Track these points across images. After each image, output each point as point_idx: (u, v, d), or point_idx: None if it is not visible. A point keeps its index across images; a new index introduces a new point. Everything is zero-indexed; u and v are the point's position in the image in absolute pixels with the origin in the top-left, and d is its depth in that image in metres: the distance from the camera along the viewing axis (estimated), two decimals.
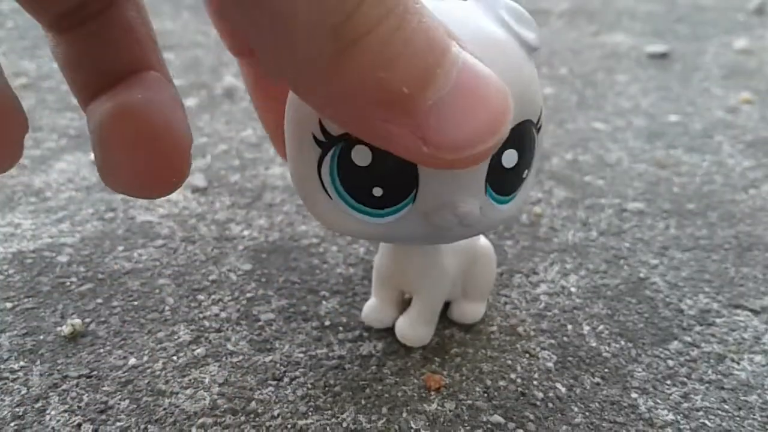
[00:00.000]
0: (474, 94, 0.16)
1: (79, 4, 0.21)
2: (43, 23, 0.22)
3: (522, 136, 0.21)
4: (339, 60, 0.15)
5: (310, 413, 0.25)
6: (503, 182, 0.22)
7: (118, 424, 0.25)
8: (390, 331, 0.30)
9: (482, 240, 0.30)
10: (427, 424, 0.25)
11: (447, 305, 0.30)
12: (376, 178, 0.21)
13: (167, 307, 0.31)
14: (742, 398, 0.27)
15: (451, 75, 0.16)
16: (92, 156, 0.45)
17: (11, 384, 0.26)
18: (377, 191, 0.21)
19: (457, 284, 0.29)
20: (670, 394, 0.27)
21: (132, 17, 0.22)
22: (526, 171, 0.22)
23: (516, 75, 0.20)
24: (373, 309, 0.30)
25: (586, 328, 0.30)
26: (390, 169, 0.20)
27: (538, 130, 0.22)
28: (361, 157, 0.20)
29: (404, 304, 0.30)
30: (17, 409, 0.25)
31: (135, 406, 0.26)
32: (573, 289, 0.33)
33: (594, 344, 0.29)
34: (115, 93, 0.21)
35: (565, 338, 0.30)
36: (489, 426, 0.25)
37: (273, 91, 0.26)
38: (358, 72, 0.15)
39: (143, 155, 0.21)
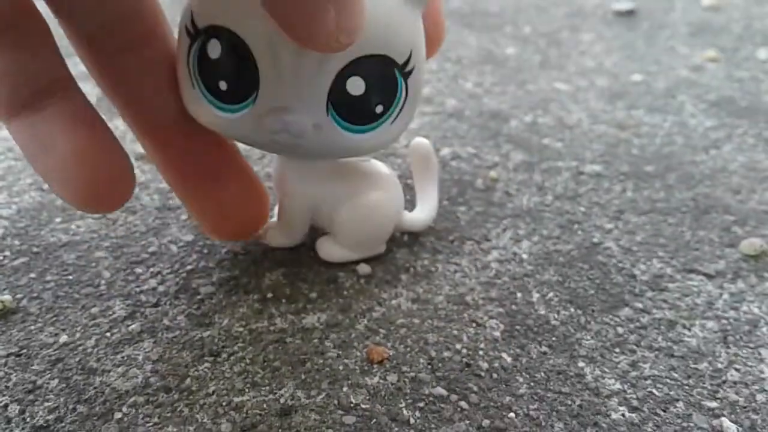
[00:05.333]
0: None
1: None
2: None
3: (372, 69, 0.23)
4: None
5: (246, 389, 0.25)
6: (351, 110, 0.24)
7: (46, 404, 0.24)
8: (334, 303, 0.29)
9: (374, 193, 0.30)
10: (367, 398, 0.24)
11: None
12: (221, 72, 0.24)
13: (103, 282, 0.30)
14: (692, 366, 0.26)
15: None
16: None
17: None
18: (222, 85, 0.24)
19: (323, 216, 0.30)
20: (618, 363, 0.26)
21: (46, 30, 0.23)
22: (380, 107, 0.24)
23: (380, 12, 0.22)
24: (272, 230, 0.32)
25: (536, 296, 0.30)
26: (232, 66, 0.23)
27: (406, 75, 0.24)
28: (213, 50, 0.23)
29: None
30: None
31: (64, 385, 0.25)
32: (525, 256, 0.32)
33: (543, 312, 0.29)
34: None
35: (513, 306, 0.29)
36: (431, 398, 0.24)
37: None
38: None
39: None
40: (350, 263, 0.31)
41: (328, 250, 0.31)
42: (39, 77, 0.23)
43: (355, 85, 0.23)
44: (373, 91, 0.24)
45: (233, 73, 0.23)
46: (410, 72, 0.24)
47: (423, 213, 0.33)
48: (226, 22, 0.23)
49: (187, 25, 0.24)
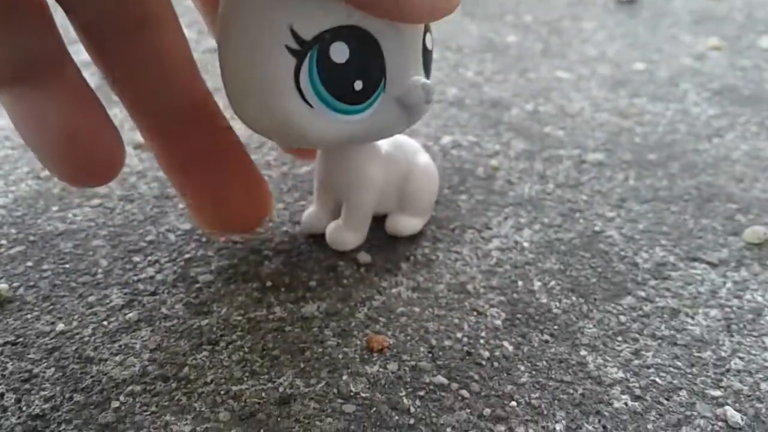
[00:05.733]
0: None
1: None
2: None
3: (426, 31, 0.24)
4: None
5: (245, 378, 0.24)
6: (427, 64, 0.25)
7: (43, 393, 0.23)
8: (333, 292, 0.28)
9: (421, 157, 0.31)
10: (367, 386, 0.24)
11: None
12: (354, 71, 0.22)
13: (100, 270, 0.29)
14: (695, 354, 0.26)
15: None
16: None
17: None
18: (358, 84, 0.23)
19: (389, 196, 0.30)
20: (621, 351, 0.26)
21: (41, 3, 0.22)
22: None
23: None
24: (308, 215, 0.31)
25: (537, 284, 0.29)
26: (365, 59, 0.22)
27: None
28: (338, 54, 0.22)
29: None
30: None
31: (61, 374, 0.24)
32: (526, 244, 0.32)
33: (544, 300, 0.28)
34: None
35: (515, 295, 0.29)
36: (431, 387, 0.24)
37: None
38: None
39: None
40: (350, 251, 0.31)
41: (406, 223, 0.32)
42: (30, 49, 0.22)
43: (430, 41, 0.25)
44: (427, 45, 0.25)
45: (367, 67, 0.23)
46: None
47: None
48: (350, 19, 0.22)
49: (288, 45, 0.21)
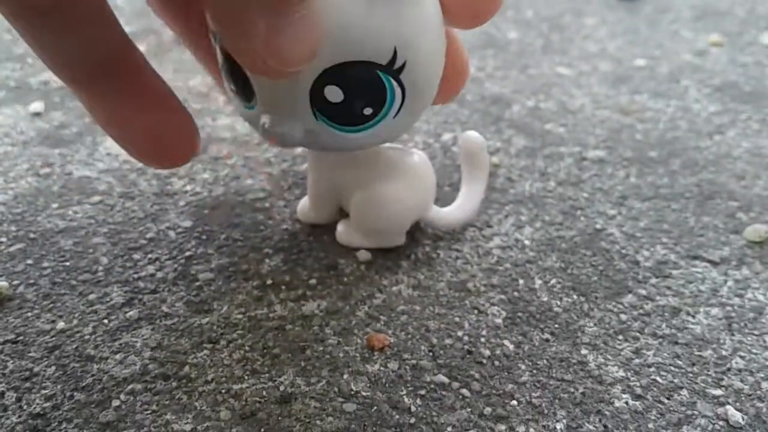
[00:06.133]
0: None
1: None
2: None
3: (347, 76, 0.23)
4: None
5: (246, 377, 0.24)
6: (338, 115, 0.24)
7: (43, 391, 0.23)
8: (334, 290, 0.28)
9: (390, 181, 0.29)
10: (368, 385, 0.24)
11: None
12: (231, 75, 0.24)
13: (100, 268, 0.29)
14: (696, 353, 0.26)
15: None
16: (32, 108, 0.43)
17: None
18: (233, 86, 0.25)
19: (345, 199, 0.31)
20: (622, 350, 0.26)
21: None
22: (368, 109, 0.24)
23: (342, 20, 0.21)
24: (303, 205, 0.32)
25: (538, 282, 0.29)
26: (234, 73, 0.24)
27: (395, 73, 0.23)
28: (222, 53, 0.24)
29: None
30: None
31: (61, 372, 0.24)
32: (527, 242, 0.32)
33: (545, 299, 0.28)
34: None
35: (515, 293, 0.29)
36: (432, 386, 0.24)
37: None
38: None
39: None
40: (350, 249, 0.31)
41: (344, 234, 0.31)
42: (97, 44, 0.22)
43: (334, 93, 0.23)
44: (353, 96, 0.23)
45: (236, 79, 0.24)
46: (401, 69, 0.23)
47: (458, 211, 0.32)
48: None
49: None
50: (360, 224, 0.30)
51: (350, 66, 0.22)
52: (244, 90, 0.24)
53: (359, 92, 0.23)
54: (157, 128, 0.24)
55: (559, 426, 0.23)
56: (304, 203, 0.32)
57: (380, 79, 0.23)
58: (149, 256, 0.30)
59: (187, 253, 0.30)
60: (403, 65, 0.23)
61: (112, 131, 0.25)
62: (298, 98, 0.23)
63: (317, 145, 0.26)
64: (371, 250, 0.31)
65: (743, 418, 0.23)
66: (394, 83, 0.23)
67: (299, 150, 0.38)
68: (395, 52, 0.22)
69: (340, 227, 0.31)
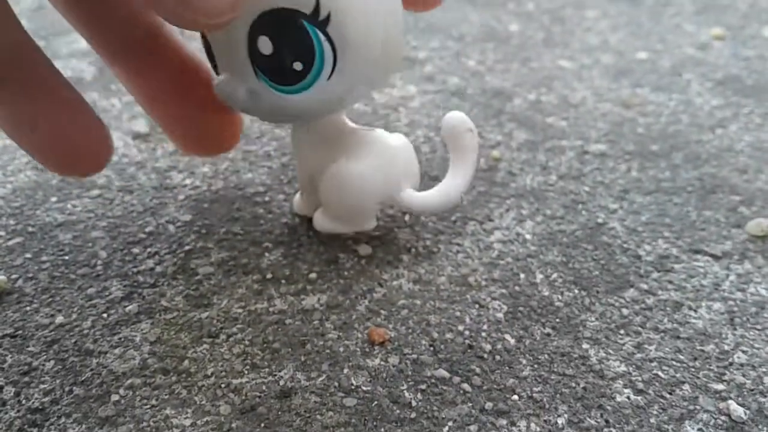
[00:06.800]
0: None
1: None
2: None
3: (275, 25, 0.23)
4: None
5: (246, 371, 0.24)
6: (273, 71, 0.24)
7: (42, 386, 0.23)
8: (334, 284, 0.28)
9: (354, 160, 0.28)
10: (368, 380, 0.24)
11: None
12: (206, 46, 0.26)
13: (99, 262, 0.29)
14: (698, 348, 0.26)
15: None
16: None
17: None
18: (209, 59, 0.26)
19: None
20: (623, 345, 0.26)
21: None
22: (298, 63, 0.24)
23: None
24: (297, 198, 0.32)
25: (540, 277, 0.29)
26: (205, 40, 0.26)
27: (322, 24, 0.23)
28: None
29: None
30: None
31: (60, 366, 0.24)
32: (528, 236, 0.32)
33: (546, 293, 0.28)
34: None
35: (516, 288, 0.29)
36: (433, 380, 0.24)
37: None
38: None
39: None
40: (351, 243, 0.30)
41: (317, 219, 0.30)
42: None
43: (265, 44, 0.23)
44: (282, 46, 0.23)
45: (208, 51, 0.26)
46: (326, 21, 0.23)
47: (436, 195, 0.29)
48: None
49: None
50: (326, 205, 0.30)
51: (276, 13, 0.23)
52: (212, 61, 0.26)
53: (288, 43, 0.23)
54: (63, 132, 0.23)
55: (560, 421, 0.23)
56: (299, 195, 0.32)
57: (305, 30, 0.23)
58: (148, 250, 0.30)
59: (187, 247, 0.30)
60: (328, 17, 0.23)
61: (17, 138, 0.24)
62: (239, 54, 0.24)
63: (262, 110, 0.26)
64: (371, 243, 0.30)
65: (745, 413, 0.23)
66: (322, 36, 0.23)
67: None
68: (318, 2, 0.22)
69: (316, 213, 0.31)
